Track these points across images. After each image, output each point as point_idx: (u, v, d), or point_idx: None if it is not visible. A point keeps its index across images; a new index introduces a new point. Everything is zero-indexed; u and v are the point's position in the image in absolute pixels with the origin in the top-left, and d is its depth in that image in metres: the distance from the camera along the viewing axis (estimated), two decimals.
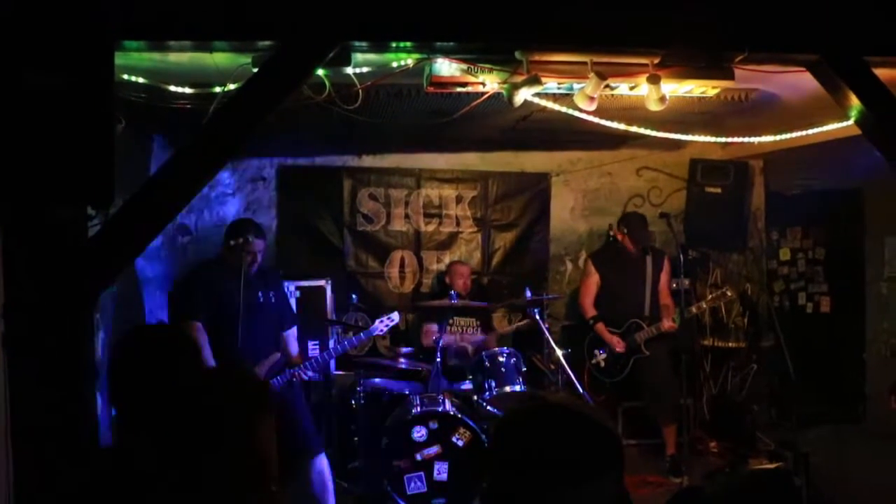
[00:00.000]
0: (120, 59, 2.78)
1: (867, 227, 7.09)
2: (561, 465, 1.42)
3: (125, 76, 3.44)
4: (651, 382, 5.79)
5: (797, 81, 3.66)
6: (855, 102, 3.24)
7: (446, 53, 3.37)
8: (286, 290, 5.14)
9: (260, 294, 4.56)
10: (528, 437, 1.49)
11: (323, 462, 4.58)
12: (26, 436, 2.62)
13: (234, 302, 4.30)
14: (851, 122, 3.39)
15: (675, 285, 5.95)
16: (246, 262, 4.41)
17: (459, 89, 3.70)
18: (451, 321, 5.88)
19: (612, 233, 6.84)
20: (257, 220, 4.96)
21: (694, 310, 5.77)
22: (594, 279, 6.08)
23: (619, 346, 5.83)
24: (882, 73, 3.25)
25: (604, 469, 1.46)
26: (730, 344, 6.68)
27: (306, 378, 4.66)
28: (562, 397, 2.06)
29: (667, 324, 5.72)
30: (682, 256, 5.59)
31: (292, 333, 4.84)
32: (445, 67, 3.47)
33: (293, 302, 5.56)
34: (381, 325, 5.05)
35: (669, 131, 4.77)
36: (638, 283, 5.96)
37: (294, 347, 4.84)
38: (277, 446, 2.05)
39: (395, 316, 5.13)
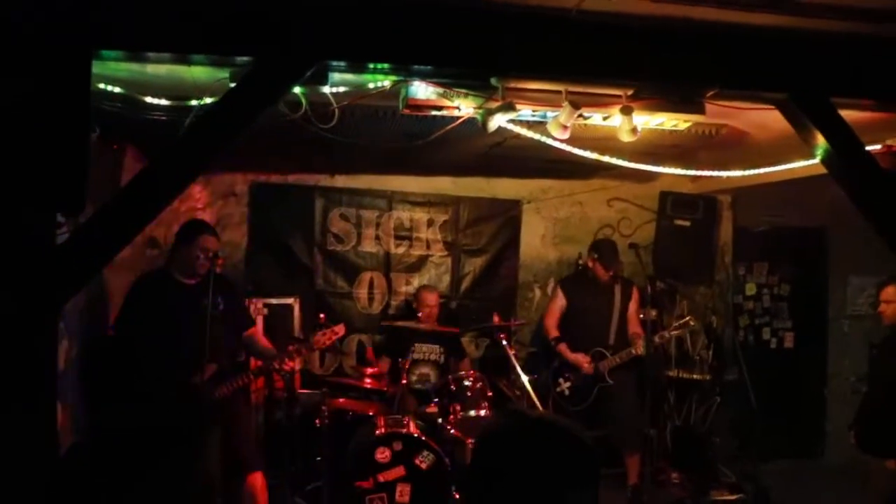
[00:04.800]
0: (97, 67, 2.77)
1: (831, 265, 7.26)
2: (542, 480, 1.43)
3: (101, 85, 3.43)
4: (616, 412, 5.80)
5: (766, 119, 3.75)
6: (821, 141, 3.33)
7: (423, 77, 3.40)
8: (238, 291, 5.10)
9: (208, 299, 4.38)
10: (508, 451, 1.50)
11: (257, 480, 4.51)
12: None
13: (177, 311, 4.26)
14: (817, 160, 3.47)
15: (641, 316, 6.01)
16: (199, 262, 4.40)
17: (435, 112, 3.73)
18: (412, 349, 5.84)
19: (581, 261, 6.90)
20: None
21: (657, 339, 5.82)
22: (560, 303, 6.13)
23: (585, 363, 5.84)
24: (847, 114, 3.35)
25: (584, 484, 1.47)
26: (694, 376, 6.74)
27: (289, 369, 4.67)
28: (541, 413, 2.07)
29: (639, 345, 5.74)
30: (649, 287, 5.65)
31: (256, 332, 4.86)
32: (422, 90, 3.50)
33: (260, 321, 5.55)
34: (324, 338, 4.95)
35: (640, 163, 4.85)
36: (605, 312, 6.01)
37: (265, 342, 4.84)
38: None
39: (340, 329, 5.08)
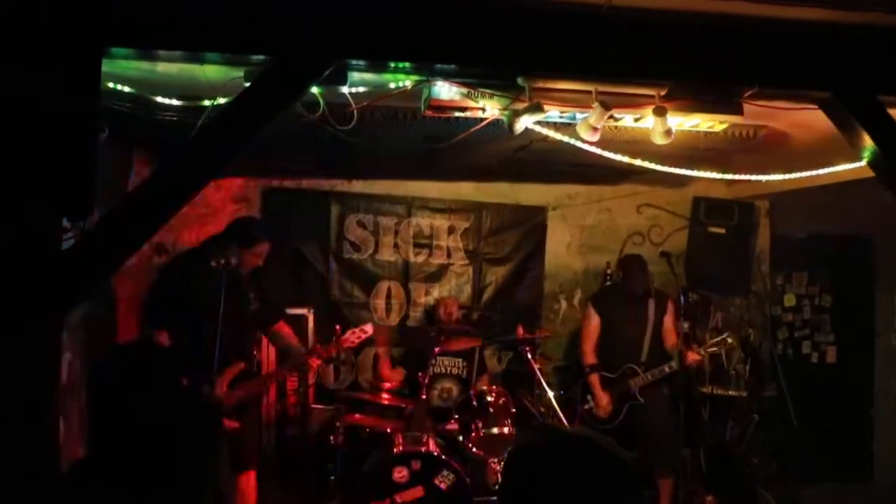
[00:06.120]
0: (106, 66, 2.79)
1: (877, 274, 7.16)
2: (578, 500, 1.41)
3: (110, 84, 3.45)
4: (647, 431, 5.76)
5: (808, 119, 3.71)
6: (868, 143, 3.28)
7: (446, 76, 3.40)
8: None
9: (245, 296, 4.63)
10: (543, 469, 1.47)
11: (251, 479, 4.57)
12: None
13: (213, 307, 4.27)
14: (864, 163, 3.43)
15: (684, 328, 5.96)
16: (248, 266, 4.54)
17: (458, 114, 3.73)
18: (434, 362, 5.84)
19: (609, 271, 6.87)
20: None
21: (691, 356, 5.78)
22: (595, 323, 6.06)
23: (603, 408, 5.80)
24: None
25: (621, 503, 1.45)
26: (730, 392, 6.68)
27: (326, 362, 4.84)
28: (578, 429, 2.06)
29: (691, 357, 5.66)
30: (682, 299, 5.61)
31: (283, 326, 4.97)
32: (445, 91, 3.49)
33: None
34: (353, 337, 5.01)
35: (673, 167, 4.82)
36: (638, 327, 5.96)
37: (292, 337, 4.95)
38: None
39: (369, 328, 5.12)
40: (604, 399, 5.81)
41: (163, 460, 1.94)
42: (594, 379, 5.90)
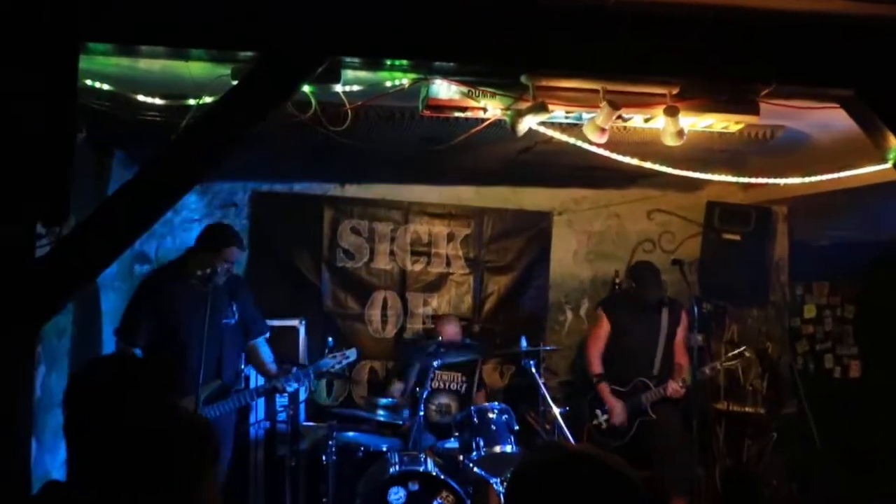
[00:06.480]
0: (84, 62, 2.79)
1: None
2: None
3: (88, 81, 3.44)
4: (659, 449, 5.74)
5: (829, 119, 3.71)
6: (893, 143, 3.28)
7: (445, 74, 3.40)
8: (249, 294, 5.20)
9: (224, 309, 4.69)
10: (547, 489, 1.47)
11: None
12: None
13: (189, 321, 4.37)
14: (889, 165, 3.42)
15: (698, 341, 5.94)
16: (217, 274, 4.55)
17: (458, 114, 3.73)
18: (433, 375, 5.81)
19: (618, 280, 6.85)
20: None
21: (707, 371, 5.77)
22: (604, 329, 6.07)
23: (617, 416, 5.80)
24: None
25: None
26: (747, 409, 6.65)
27: (290, 390, 4.85)
28: (584, 447, 2.04)
29: (672, 386, 5.71)
30: (695, 309, 5.60)
31: (262, 342, 5.00)
32: (444, 90, 3.49)
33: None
34: (333, 362, 5.06)
35: (686, 170, 4.82)
36: (650, 338, 5.96)
37: (268, 356, 4.97)
38: None
39: (352, 353, 5.17)
40: (617, 407, 5.81)
41: (148, 479, 1.93)
42: (604, 388, 5.90)
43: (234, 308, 4.86)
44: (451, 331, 6.10)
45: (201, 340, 4.34)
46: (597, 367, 6.00)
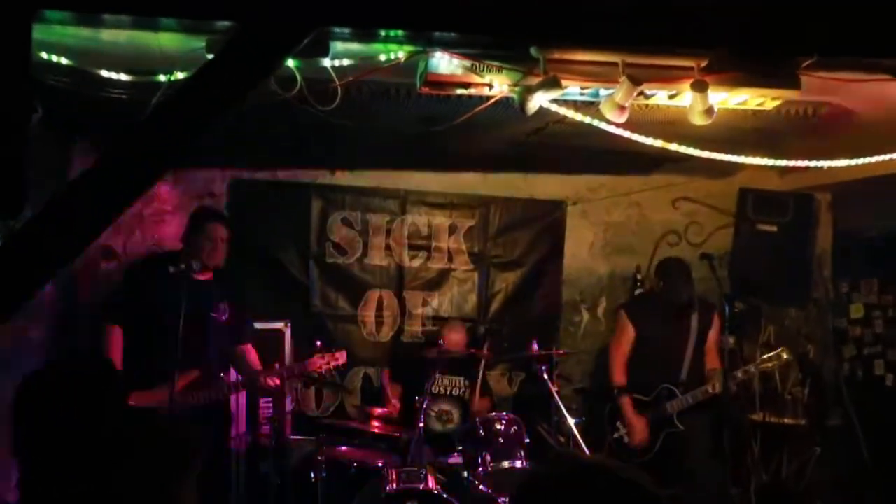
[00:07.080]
0: (39, 32, 2.78)
1: None
2: None
3: (44, 55, 3.43)
4: (687, 465, 5.75)
5: (880, 93, 3.69)
6: None
7: (446, 46, 3.41)
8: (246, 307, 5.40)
9: (212, 303, 4.96)
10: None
11: None
12: None
13: (173, 309, 4.44)
14: None
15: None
16: (208, 253, 4.85)
17: (460, 91, 3.74)
18: (434, 380, 5.83)
19: (639, 276, 6.85)
20: None
21: (740, 375, 5.75)
22: (629, 335, 6.06)
23: (637, 435, 5.79)
24: None
25: None
26: (786, 420, 6.66)
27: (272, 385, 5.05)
28: (601, 459, 2.05)
29: (716, 385, 5.69)
30: (727, 309, 5.59)
31: (250, 350, 5.21)
32: (444, 64, 3.50)
33: None
34: (321, 361, 5.10)
35: (716, 152, 4.80)
36: (678, 342, 5.96)
37: (256, 362, 5.18)
38: None
39: (341, 356, 5.22)
40: (639, 425, 5.80)
41: (110, 490, 1.93)
42: (626, 402, 5.89)
43: (226, 308, 5.09)
44: (455, 339, 6.10)
45: (179, 332, 4.43)
46: (620, 377, 6.00)
